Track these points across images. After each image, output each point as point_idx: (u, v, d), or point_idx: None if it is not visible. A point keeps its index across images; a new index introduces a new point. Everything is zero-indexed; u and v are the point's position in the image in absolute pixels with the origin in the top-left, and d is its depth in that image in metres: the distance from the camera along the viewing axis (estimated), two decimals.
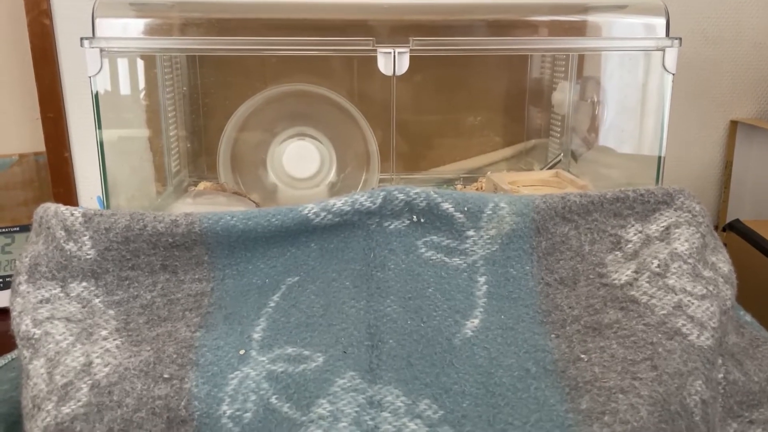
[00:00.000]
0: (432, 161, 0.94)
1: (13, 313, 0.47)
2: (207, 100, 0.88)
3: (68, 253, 0.48)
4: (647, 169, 0.71)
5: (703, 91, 0.96)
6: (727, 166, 0.97)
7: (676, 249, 0.50)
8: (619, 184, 0.74)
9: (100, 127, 0.63)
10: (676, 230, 0.51)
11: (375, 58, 0.64)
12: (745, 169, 0.96)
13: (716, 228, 0.96)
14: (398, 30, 0.64)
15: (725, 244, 0.53)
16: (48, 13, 0.87)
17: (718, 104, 0.96)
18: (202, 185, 0.83)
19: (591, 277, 0.50)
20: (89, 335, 0.45)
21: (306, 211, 0.50)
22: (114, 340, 0.46)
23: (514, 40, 0.67)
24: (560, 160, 0.90)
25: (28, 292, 0.47)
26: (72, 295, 0.48)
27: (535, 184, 0.79)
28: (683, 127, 0.97)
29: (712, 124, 0.97)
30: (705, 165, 0.99)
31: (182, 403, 0.41)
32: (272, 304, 0.49)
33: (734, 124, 0.96)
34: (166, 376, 0.43)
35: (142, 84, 0.74)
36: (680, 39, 0.66)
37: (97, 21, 0.61)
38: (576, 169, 0.87)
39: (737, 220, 0.81)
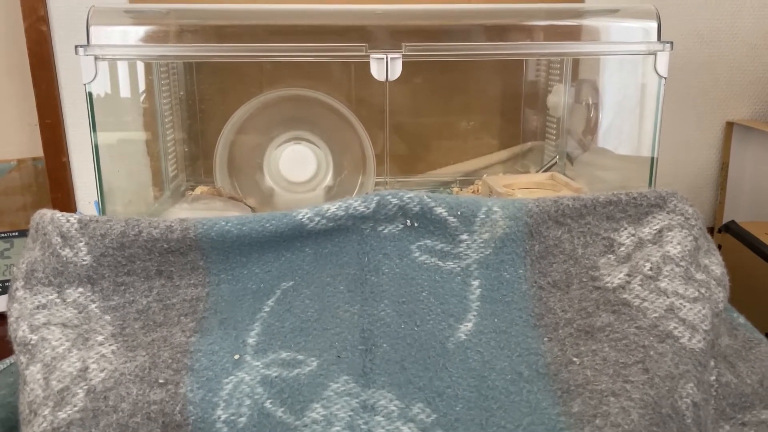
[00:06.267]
0: (429, 164, 0.94)
1: (10, 319, 0.47)
2: (203, 105, 0.89)
3: (64, 259, 0.49)
4: (642, 171, 0.71)
5: (699, 93, 0.96)
6: (723, 167, 0.97)
7: (668, 252, 0.50)
8: (614, 187, 0.74)
9: (95, 132, 0.64)
10: (669, 233, 0.51)
11: (369, 63, 0.64)
12: (741, 170, 0.96)
13: (712, 230, 0.96)
14: (391, 35, 0.65)
15: (720, 246, 0.54)
16: (45, 20, 0.87)
17: (714, 106, 0.97)
18: (198, 190, 0.84)
19: (584, 280, 0.50)
20: (85, 341, 0.46)
21: (300, 216, 0.50)
22: (110, 345, 0.46)
23: (507, 45, 0.67)
24: (556, 163, 0.90)
25: (24, 298, 0.48)
26: (68, 300, 0.48)
27: (530, 186, 0.80)
28: (679, 128, 0.97)
29: (708, 126, 0.97)
30: (701, 166, 0.99)
31: (177, 408, 0.42)
32: (267, 309, 0.49)
33: (730, 126, 0.96)
34: (161, 381, 0.43)
35: (138, 90, 0.74)
36: (671, 43, 0.66)
37: (92, 29, 0.61)
38: (571, 172, 0.87)
39: (732, 222, 0.81)
